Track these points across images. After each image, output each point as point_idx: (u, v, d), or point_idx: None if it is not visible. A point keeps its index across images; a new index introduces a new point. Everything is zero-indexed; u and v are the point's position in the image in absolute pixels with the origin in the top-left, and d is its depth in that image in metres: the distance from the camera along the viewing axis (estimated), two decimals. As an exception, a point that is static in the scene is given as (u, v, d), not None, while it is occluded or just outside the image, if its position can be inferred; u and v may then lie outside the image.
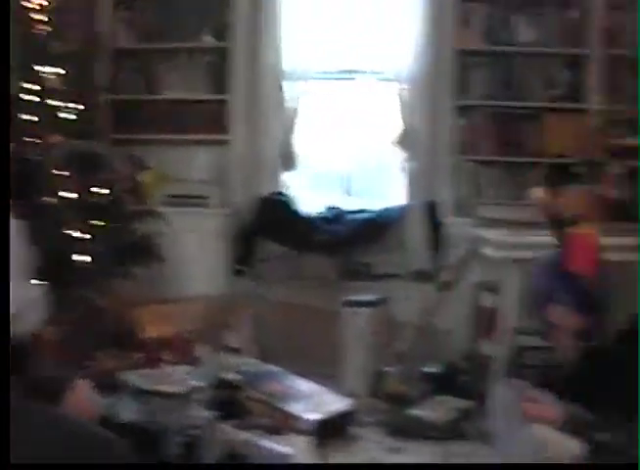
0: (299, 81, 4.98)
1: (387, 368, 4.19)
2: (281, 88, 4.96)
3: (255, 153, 5.06)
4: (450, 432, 3.45)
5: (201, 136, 5.09)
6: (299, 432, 3.32)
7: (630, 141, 4.75)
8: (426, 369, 4.33)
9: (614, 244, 3.98)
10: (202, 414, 2.50)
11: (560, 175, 4.77)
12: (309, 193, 5.16)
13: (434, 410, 3.73)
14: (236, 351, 4.52)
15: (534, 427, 2.70)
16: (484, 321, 4.34)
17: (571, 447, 2.50)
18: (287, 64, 4.95)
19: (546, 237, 4.06)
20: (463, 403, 3.95)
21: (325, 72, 5.10)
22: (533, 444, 2.60)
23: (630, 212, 4.69)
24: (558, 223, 3.97)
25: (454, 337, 4.70)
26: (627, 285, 3.67)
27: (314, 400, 3.62)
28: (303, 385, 3.81)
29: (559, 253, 2.88)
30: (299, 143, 5.01)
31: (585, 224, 3.61)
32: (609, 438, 2.54)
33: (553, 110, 4.94)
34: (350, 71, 5.13)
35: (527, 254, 4.01)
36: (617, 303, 3.42)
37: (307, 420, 3.37)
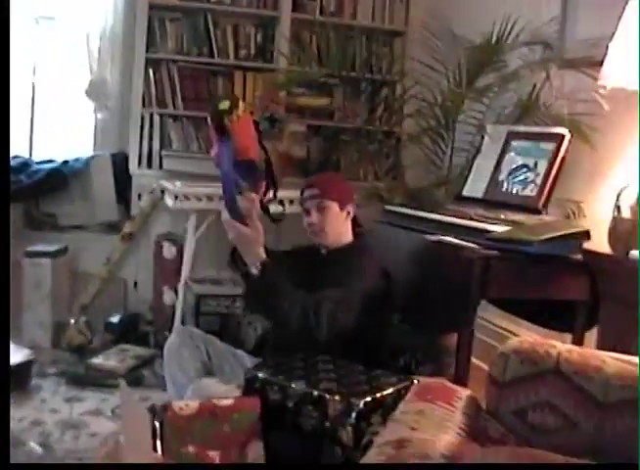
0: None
1: (70, 319, 4.19)
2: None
3: None
4: (129, 379, 3.50)
5: None
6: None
7: (308, 100, 5.01)
8: (109, 319, 4.37)
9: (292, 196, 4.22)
10: None
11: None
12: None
13: (115, 359, 3.79)
14: None
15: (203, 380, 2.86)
16: (166, 272, 4.42)
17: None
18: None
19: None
20: (144, 352, 4.04)
21: (17, 17, 4.87)
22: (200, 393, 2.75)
23: (308, 168, 4.96)
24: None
25: (138, 287, 4.76)
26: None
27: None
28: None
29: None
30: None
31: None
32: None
33: (242, 68, 5.06)
34: (44, 18, 4.95)
35: (209, 205, 4.13)
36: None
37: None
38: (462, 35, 4.02)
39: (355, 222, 3.15)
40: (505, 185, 3.33)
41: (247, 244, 2.80)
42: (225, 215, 2.77)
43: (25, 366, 3.61)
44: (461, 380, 2.85)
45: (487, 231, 2.88)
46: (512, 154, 3.38)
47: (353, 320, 2.83)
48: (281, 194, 4.11)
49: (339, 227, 3.10)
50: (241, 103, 2.81)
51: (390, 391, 2.49)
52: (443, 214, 3.16)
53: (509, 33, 3.81)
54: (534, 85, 3.71)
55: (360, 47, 4.48)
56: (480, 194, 3.42)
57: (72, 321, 4.15)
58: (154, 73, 4.90)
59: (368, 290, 2.90)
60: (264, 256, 2.79)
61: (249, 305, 2.85)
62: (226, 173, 2.78)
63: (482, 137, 3.60)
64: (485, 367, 2.27)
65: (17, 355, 3.61)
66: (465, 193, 3.51)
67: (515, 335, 3.52)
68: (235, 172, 2.78)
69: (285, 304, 2.77)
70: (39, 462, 2.83)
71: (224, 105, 2.80)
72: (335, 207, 3.08)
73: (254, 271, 2.76)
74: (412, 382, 2.50)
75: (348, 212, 3.10)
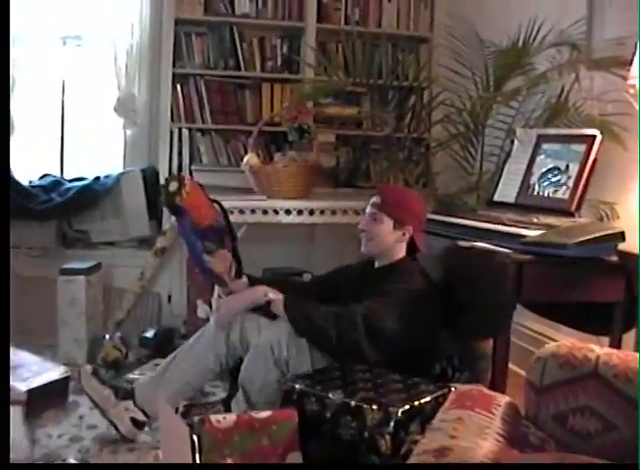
0: (17, 45, 4.79)
1: (105, 335, 4.20)
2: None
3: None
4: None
5: None
6: (12, 402, 3.27)
7: (336, 110, 5.01)
8: (144, 334, 4.39)
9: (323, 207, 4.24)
10: None
11: (274, 143, 4.97)
12: (25, 161, 5.00)
13: (150, 374, 3.79)
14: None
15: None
16: (200, 285, 4.43)
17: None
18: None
19: (256, 202, 4.23)
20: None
21: (45, 37, 4.93)
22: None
23: (338, 178, 4.97)
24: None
25: (172, 302, 4.78)
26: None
27: (30, 370, 3.58)
28: (19, 356, 3.75)
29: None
30: (16, 110, 4.83)
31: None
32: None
33: (269, 80, 5.06)
34: (72, 38, 4.99)
35: (240, 217, 4.14)
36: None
37: (19, 390, 3.33)
38: (488, 39, 4.00)
39: (414, 246, 3.15)
40: (537, 189, 3.31)
41: (240, 300, 3.07)
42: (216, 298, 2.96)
43: (63, 383, 3.62)
44: (498, 386, 2.83)
45: (520, 235, 2.86)
46: (543, 157, 3.36)
47: (394, 330, 2.83)
48: (312, 204, 4.16)
49: (386, 243, 3.12)
50: (187, 178, 3.07)
51: (428, 399, 2.48)
52: (475, 220, 3.15)
53: (535, 36, 3.79)
54: (563, 87, 3.68)
55: (386, 55, 4.46)
56: (511, 198, 3.40)
57: (108, 337, 4.17)
58: (181, 88, 4.92)
59: (404, 302, 2.90)
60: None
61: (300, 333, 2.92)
62: (192, 245, 3.11)
63: (512, 141, 3.58)
64: (522, 373, 2.26)
65: (53, 372, 3.63)
66: (496, 198, 3.49)
67: (551, 339, 3.49)
68: (200, 240, 3.08)
69: (320, 320, 2.85)
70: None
71: (173, 186, 3.00)
72: (388, 222, 3.09)
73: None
74: (450, 389, 2.49)
75: (404, 234, 3.09)
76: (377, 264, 3.19)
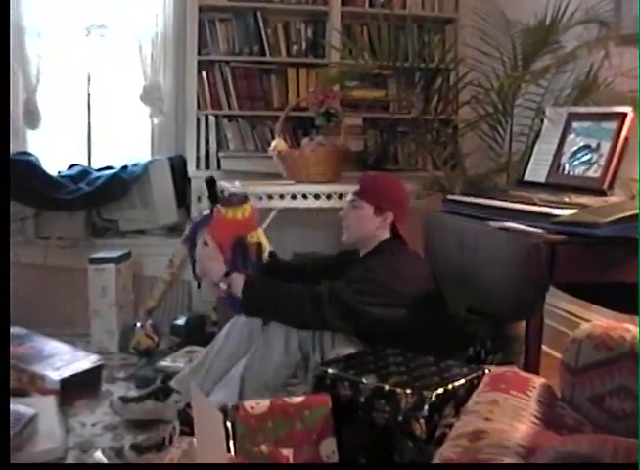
0: (42, 38, 4.81)
1: (136, 323, 4.22)
2: (23, 45, 4.76)
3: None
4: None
5: None
6: (45, 391, 3.30)
7: (363, 93, 4.99)
8: (175, 322, 4.40)
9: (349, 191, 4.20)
10: None
11: (301, 127, 4.95)
12: (53, 152, 5.02)
13: (183, 361, 3.80)
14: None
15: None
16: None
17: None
18: (29, 20, 4.75)
19: (285, 186, 4.22)
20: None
21: (69, 28, 4.94)
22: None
23: (366, 161, 4.94)
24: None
25: (202, 289, 4.77)
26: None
27: (62, 360, 3.62)
28: (51, 345, 3.78)
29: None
30: (43, 101, 4.85)
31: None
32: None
33: (295, 64, 5.05)
34: (96, 27, 5.00)
35: (269, 203, 4.14)
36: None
37: (52, 379, 3.36)
38: (515, 18, 3.95)
39: (397, 232, 3.14)
40: (567, 168, 3.27)
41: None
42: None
43: (95, 372, 3.64)
44: (532, 368, 2.80)
45: (552, 215, 2.82)
46: (573, 135, 3.31)
47: (372, 311, 2.87)
48: (340, 188, 4.15)
49: (366, 230, 3.11)
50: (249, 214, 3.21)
51: (462, 381, 2.47)
52: (506, 201, 3.12)
53: (563, 13, 3.74)
54: (592, 65, 3.64)
55: (412, 37, 4.43)
56: (542, 178, 3.36)
57: (139, 325, 4.18)
58: (207, 75, 4.92)
59: (380, 283, 2.93)
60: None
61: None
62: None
63: (542, 120, 3.54)
64: (555, 354, 2.24)
65: (86, 362, 3.66)
66: (526, 178, 3.45)
67: (585, 320, 3.46)
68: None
69: (276, 302, 2.93)
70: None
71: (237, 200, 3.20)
72: (368, 209, 3.08)
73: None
74: (483, 372, 2.48)
75: (385, 219, 3.08)
76: (360, 253, 3.19)
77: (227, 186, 4.31)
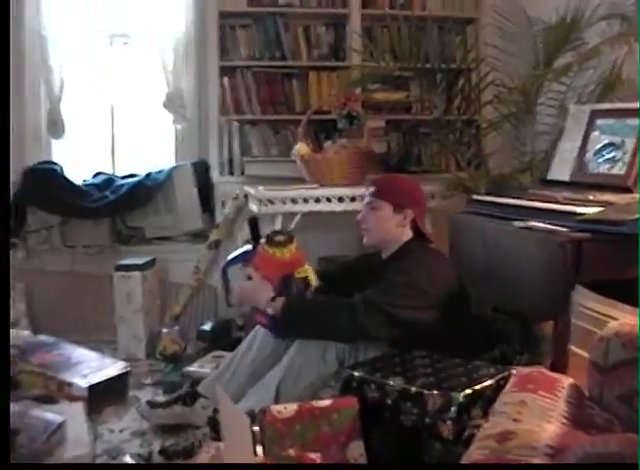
0: (65, 47, 4.84)
1: (163, 329, 4.23)
2: (46, 55, 4.80)
3: (21, 122, 4.90)
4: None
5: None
6: (73, 398, 3.32)
7: (385, 95, 4.97)
8: (201, 327, 4.41)
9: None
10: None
11: (323, 131, 4.95)
12: (77, 160, 5.06)
13: (209, 366, 3.81)
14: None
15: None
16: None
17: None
18: (51, 29, 4.78)
19: (308, 190, 4.22)
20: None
21: (92, 37, 4.97)
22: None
23: (390, 163, 4.93)
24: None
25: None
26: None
27: (90, 367, 3.63)
28: (78, 352, 3.80)
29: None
30: (67, 111, 4.89)
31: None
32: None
33: (316, 68, 5.04)
34: (118, 36, 5.03)
35: (294, 207, 4.14)
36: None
37: (80, 386, 3.37)
38: (536, 16, 3.93)
39: (417, 228, 3.12)
40: (592, 166, 3.25)
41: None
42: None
43: (123, 378, 3.66)
44: (559, 368, 2.78)
45: (577, 214, 2.81)
46: (597, 133, 3.29)
47: (408, 315, 2.85)
48: (363, 191, 4.11)
49: (387, 229, 3.09)
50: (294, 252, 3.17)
51: (490, 382, 2.46)
52: (530, 200, 3.10)
53: (585, 10, 3.71)
54: (615, 60, 3.61)
55: (433, 37, 4.42)
56: (566, 177, 3.34)
57: (165, 331, 4.19)
58: (229, 81, 4.92)
59: (414, 286, 2.90)
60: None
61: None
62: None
63: (565, 118, 3.52)
64: (583, 353, 2.22)
65: (113, 368, 3.67)
66: (550, 176, 3.44)
67: (612, 318, 3.43)
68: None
69: (330, 314, 2.88)
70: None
71: (281, 238, 3.15)
72: (387, 208, 3.06)
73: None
74: (510, 372, 2.46)
75: (405, 217, 3.06)
76: (383, 256, 3.17)
77: (251, 191, 4.32)
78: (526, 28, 3.93)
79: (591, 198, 2.93)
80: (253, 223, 3.30)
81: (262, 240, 3.15)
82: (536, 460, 1.70)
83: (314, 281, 3.16)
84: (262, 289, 3.02)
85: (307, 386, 2.89)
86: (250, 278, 3.07)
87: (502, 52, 4.02)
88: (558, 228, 2.79)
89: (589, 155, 3.27)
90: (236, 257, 3.31)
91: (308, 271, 3.17)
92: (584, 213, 2.78)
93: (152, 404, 3.26)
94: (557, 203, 2.96)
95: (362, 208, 3.18)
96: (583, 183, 3.21)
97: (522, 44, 3.92)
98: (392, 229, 3.08)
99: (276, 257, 3.08)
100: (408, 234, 3.09)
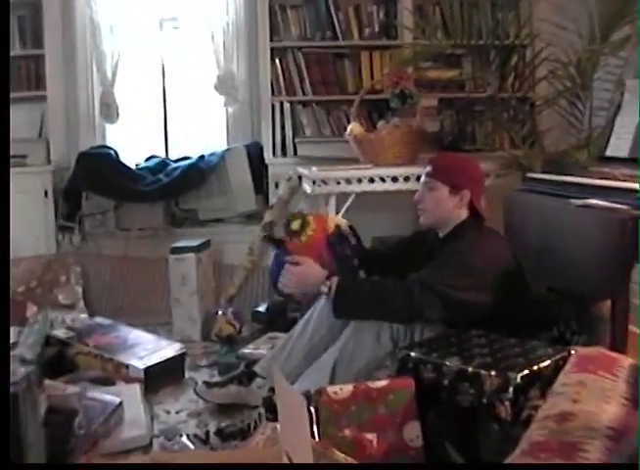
0: (116, 33, 4.88)
1: (218, 311, 4.25)
2: (98, 40, 4.84)
3: (75, 107, 4.97)
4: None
5: (17, 94, 4.67)
6: (130, 380, 3.35)
7: (438, 73, 4.92)
8: (256, 308, 4.42)
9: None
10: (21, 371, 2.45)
11: (376, 110, 4.92)
12: (131, 144, 5.10)
13: (265, 347, 3.82)
14: (67, 307, 4.47)
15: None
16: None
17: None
18: (103, 15, 4.82)
19: (362, 170, 4.19)
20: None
21: (142, 22, 5.00)
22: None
23: (443, 142, 4.88)
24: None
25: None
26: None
27: (146, 349, 3.66)
28: (135, 334, 3.83)
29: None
30: (119, 95, 4.93)
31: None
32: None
33: (368, 47, 5.01)
34: (168, 20, 5.05)
35: (347, 187, 4.12)
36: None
37: (137, 368, 3.40)
38: (591, -11, 3.86)
39: (475, 210, 3.07)
40: (651, 141, 3.18)
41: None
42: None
43: (178, 360, 3.68)
44: (618, 348, 2.74)
45: (636, 190, 2.75)
46: (656, 107, 3.22)
47: (464, 296, 2.81)
48: (418, 170, 4.10)
49: (444, 210, 3.05)
50: (313, 220, 3.12)
51: (548, 363, 2.42)
52: (588, 177, 3.05)
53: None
54: (674, 33, 3.53)
55: (485, 14, 4.35)
56: (624, 153, 3.27)
57: (220, 313, 4.21)
58: (280, 62, 4.91)
59: (470, 266, 2.86)
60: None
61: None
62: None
63: (622, 93, 3.44)
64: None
65: (169, 350, 3.69)
66: (608, 153, 3.37)
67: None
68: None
69: (386, 296, 2.87)
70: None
71: (295, 225, 3.10)
72: (444, 189, 3.02)
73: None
74: (569, 353, 2.42)
75: (461, 199, 3.02)
76: (440, 235, 3.13)
77: (305, 172, 4.31)
78: (582, 2, 3.85)
79: (651, 174, 2.88)
80: (268, 238, 3.52)
81: (283, 236, 3.18)
82: (597, 442, 1.67)
83: (342, 222, 3.24)
84: (314, 272, 3.03)
85: (362, 367, 2.88)
86: (297, 264, 3.06)
87: (556, 27, 3.94)
88: (617, 206, 2.74)
89: (648, 130, 3.20)
90: (272, 267, 3.32)
91: (333, 219, 3.24)
92: (644, 190, 2.73)
93: (208, 384, 3.28)
94: (615, 179, 2.90)
95: (420, 187, 3.15)
96: (643, 159, 3.14)
97: (577, 18, 3.84)
98: (449, 210, 3.04)
99: (302, 241, 3.09)
100: (464, 213, 3.05)
